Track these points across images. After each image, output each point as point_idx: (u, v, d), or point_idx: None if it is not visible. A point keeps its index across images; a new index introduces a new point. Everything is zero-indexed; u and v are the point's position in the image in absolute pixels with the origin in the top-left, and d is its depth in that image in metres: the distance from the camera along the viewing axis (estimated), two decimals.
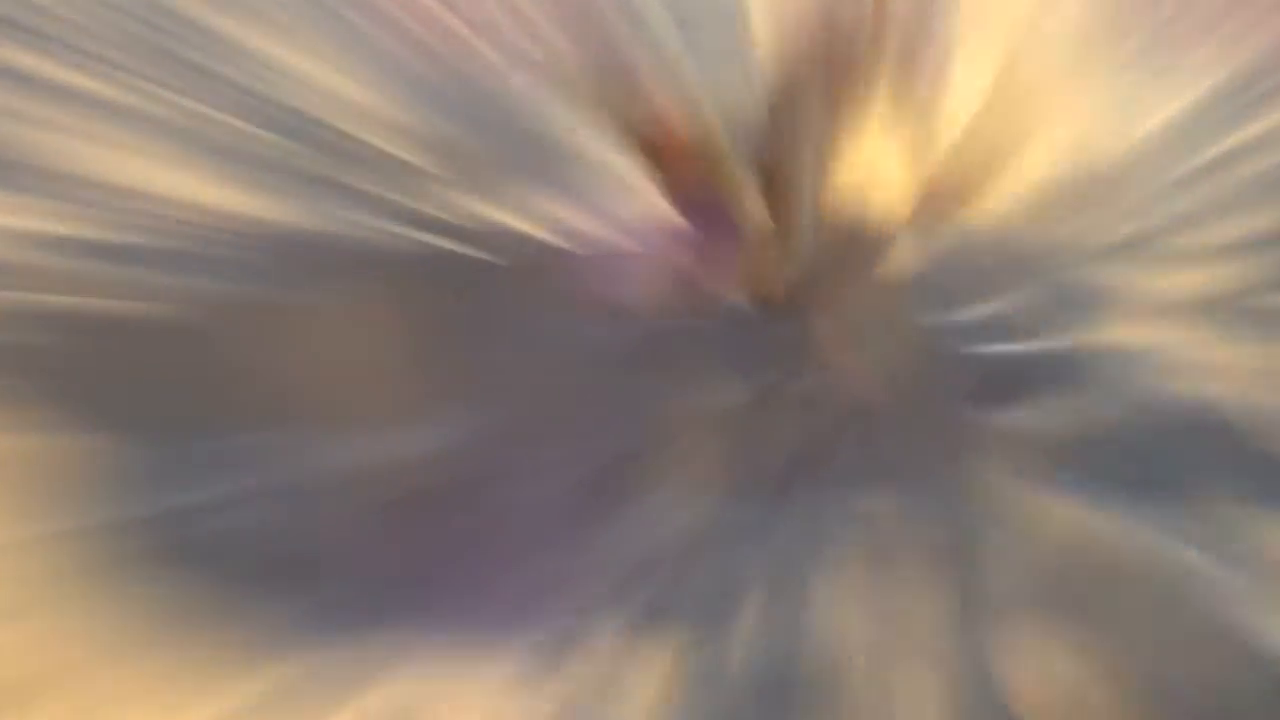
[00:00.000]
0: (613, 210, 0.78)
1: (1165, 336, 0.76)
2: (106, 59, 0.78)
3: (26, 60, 0.78)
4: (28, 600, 0.66)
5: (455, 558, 0.69)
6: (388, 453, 0.71)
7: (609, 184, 0.79)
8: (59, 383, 0.71)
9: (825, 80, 0.79)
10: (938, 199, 0.79)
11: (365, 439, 0.71)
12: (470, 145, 0.79)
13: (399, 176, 0.77)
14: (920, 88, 0.80)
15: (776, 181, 0.79)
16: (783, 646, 0.67)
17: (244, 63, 0.79)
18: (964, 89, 0.81)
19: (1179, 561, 0.70)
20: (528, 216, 0.78)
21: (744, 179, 0.79)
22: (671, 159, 0.78)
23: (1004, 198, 0.79)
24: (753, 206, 0.79)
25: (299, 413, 0.72)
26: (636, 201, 0.78)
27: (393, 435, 0.71)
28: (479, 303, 0.76)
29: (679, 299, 0.77)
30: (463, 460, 0.71)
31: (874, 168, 0.79)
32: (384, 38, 0.80)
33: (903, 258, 0.78)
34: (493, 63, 0.80)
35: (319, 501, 0.70)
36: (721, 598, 0.68)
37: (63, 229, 0.75)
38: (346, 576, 0.68)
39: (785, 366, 0.76)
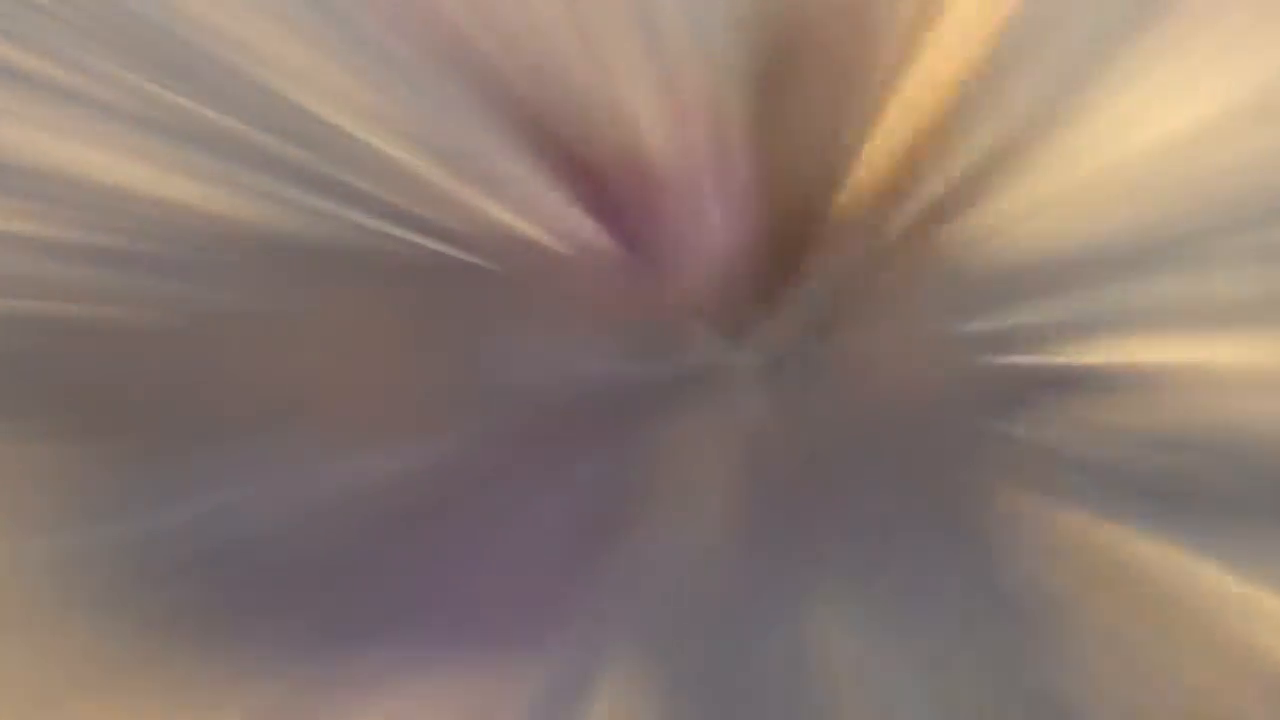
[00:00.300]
0: (621, 216, 0.77)
1: (1196, 347, 0.75)
2: (102, 57, 0.78)
3: (22, 59, 0.78)
4: (23, 618, 0.66)
5: (451, 575, 0.68)
6: (384, 466, 0.70)
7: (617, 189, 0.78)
8: (52, 393, 0.71)
9: (830, 76, 0.78)
10: (950, 200, 0.77)
11: (362, 451, 0.71)
12: (475, 147, 0.78)
13: (401, 179, 0.77)
14: (925, 84, 0.78)
15: (786, 184, 0.77)
16: (787, 659, 0.66)
17: (243, 61, 0.78)
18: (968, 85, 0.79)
19: (1205, 580, 0.69)
20: (534, 221, 0.77)
21: (750, 183, 0.78)
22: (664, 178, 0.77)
23: (1028, 200, 0.78)
24: (759, 213, 0.78)
25: (295, 423, 0.72)
26: (645, 205, 0.78)
27: (390, 448, 0.71)
28: (480, 309, 0.75)
29: (686, 306, 0.76)
30: (462, 473, 0.71)
31: (885, 168, 0.78)
32: (387, 37, 0.79)
33: (921, 265, 0.77)
34: (498, 62, 0.79)
35: (315, 515, 0.69)
36: (725, 612, 0.68)
37: (53, 233, 0.75)
38: (343, 591, 0.68)
39: (795, 376, 0.75)
